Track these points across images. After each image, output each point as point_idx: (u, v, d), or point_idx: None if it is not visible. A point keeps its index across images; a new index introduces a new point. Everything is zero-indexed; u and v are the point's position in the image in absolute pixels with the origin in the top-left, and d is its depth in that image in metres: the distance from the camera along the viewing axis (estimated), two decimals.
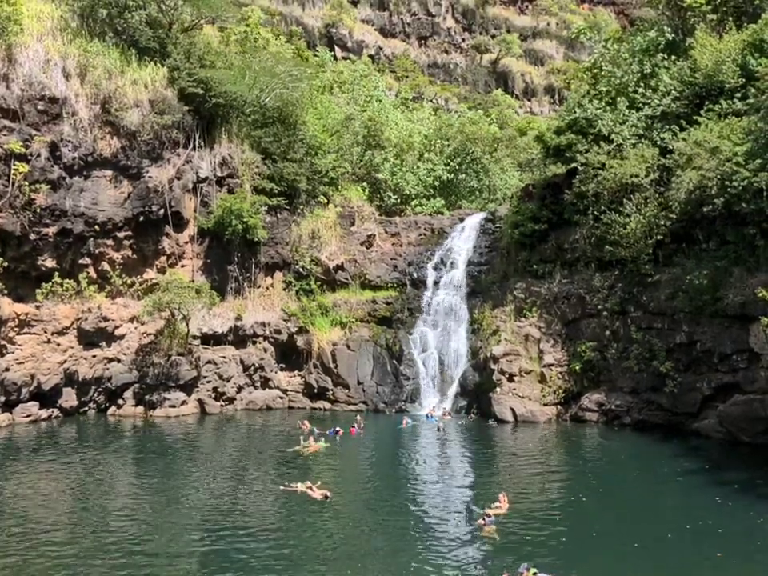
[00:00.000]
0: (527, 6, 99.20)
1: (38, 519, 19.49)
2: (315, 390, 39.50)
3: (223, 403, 37.85)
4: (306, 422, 32.86)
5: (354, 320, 40.67)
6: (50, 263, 35.86)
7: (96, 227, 36.74)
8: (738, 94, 32.61)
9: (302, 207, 43.41)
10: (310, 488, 21.79)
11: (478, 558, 16.83)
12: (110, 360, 36.47)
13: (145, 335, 37.55)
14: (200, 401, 37.13)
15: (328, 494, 21.30)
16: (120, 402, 36.50)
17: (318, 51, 71.77)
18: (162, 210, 38.23)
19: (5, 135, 33.82)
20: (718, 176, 29.52)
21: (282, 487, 22.36)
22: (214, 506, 20.90)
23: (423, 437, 32.34)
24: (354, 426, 31.91)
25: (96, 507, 20.69)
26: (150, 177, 38.03)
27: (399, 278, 42.44)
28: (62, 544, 17.55)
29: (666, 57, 37.17)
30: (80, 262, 37.05)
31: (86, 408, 36.16)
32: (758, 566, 16.50)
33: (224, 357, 38.52)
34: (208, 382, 37.79)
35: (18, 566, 16.14)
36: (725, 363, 30.25)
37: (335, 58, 74.60)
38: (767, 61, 30.84)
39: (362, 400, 38.76)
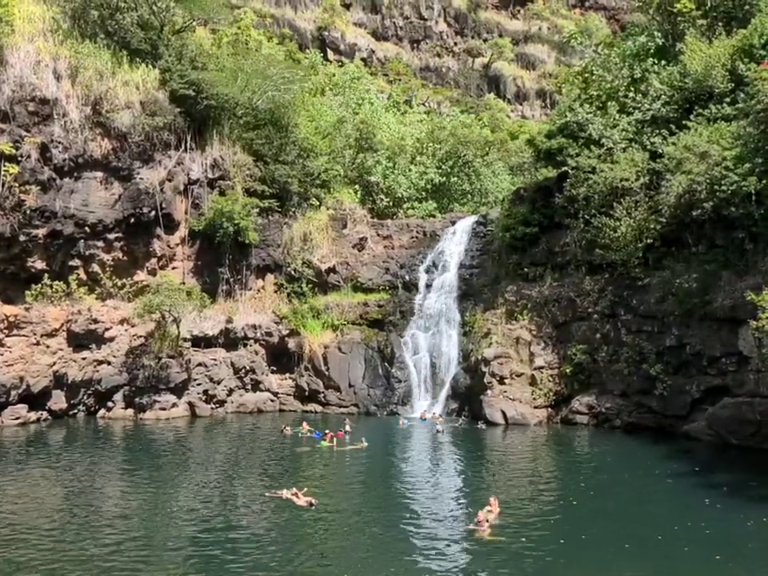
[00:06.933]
0: (519, 11, 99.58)
1: (25, 523, 19.32)
2: (306, 393, 39.46)
3: (214, 406, 37.75)
4: (303, 424, 32.79)
5: (345, 323, 40.62)
6: (40, 265, 35.77)
7: (86, 229, 36.68)
8: (728, 99, 32.86)
9: (293, 209, 43.39)
10: (296, 495, 21.34)
11: (468, 563, 16.76)
12: (100, 362, 36.29)
13: (135, 337, 37.40)
14: (190, 403, 37.03)
15: (313, 501, 20.92)
16: (110, 404, 36.35)
17: (308, 53, 71.80)
18: (153, 212, 38.16)
19: None
20: (708, 180, 29.70)
21: (267, 494, 22.01)
22: (200, 511, 20.68)
23: (414, 439, 32.32)
24: (341, 431, 31.73)
25: (84, 511, 20.51)
26: (140, 178, 37.98)
27: (391, 281, 42.45)
28: (48, 548, 17.39)
29: (656, 61, 37.40)
30: (70, 263, 36.98)
31: (76, 411, 36.00)
32: (747, 567, 16.54)
33: (215, 359, 38.43)
34: (198, 384, 37.69)
35: (5, 569, 16.02)
36: (714, 366, 30.38)
37: (326, 59, 74.66)
38: (756, 66, 31.02)
39: (354, 403, 38.74)
